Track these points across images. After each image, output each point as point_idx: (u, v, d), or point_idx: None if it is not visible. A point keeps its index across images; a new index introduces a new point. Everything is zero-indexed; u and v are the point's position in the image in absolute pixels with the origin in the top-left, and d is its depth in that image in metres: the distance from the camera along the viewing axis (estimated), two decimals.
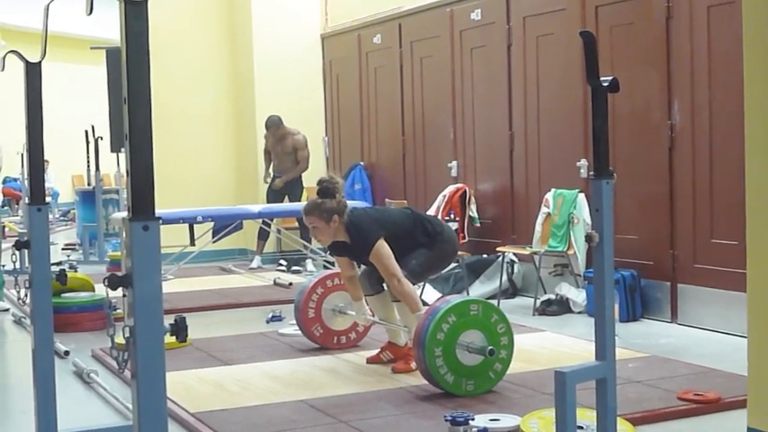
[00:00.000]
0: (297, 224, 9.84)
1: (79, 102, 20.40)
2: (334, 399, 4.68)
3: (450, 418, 3.97)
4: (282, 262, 10.27)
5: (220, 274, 9.86)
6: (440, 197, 8.60)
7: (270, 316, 7.00)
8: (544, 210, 7.49)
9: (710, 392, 4.48)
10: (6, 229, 14.34)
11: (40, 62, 3.37)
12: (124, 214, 2.19)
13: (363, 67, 10.39)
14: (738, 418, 3.88)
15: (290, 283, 8.61)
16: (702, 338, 6.10)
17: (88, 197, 12.05)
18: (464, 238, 8.29)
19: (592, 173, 3.27)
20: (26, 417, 4.16)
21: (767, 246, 3.48)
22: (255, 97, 10.89)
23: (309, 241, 9.53)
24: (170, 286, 8.44)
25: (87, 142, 12.53)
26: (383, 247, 5.11)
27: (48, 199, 4.00)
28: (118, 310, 6.16)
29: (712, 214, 6.30)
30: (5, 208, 20.18)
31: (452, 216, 8.34)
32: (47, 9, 3.33)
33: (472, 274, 7.93)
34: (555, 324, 6.72)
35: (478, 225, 8.44)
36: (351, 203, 5.58)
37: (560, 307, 7.11)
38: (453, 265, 7.26)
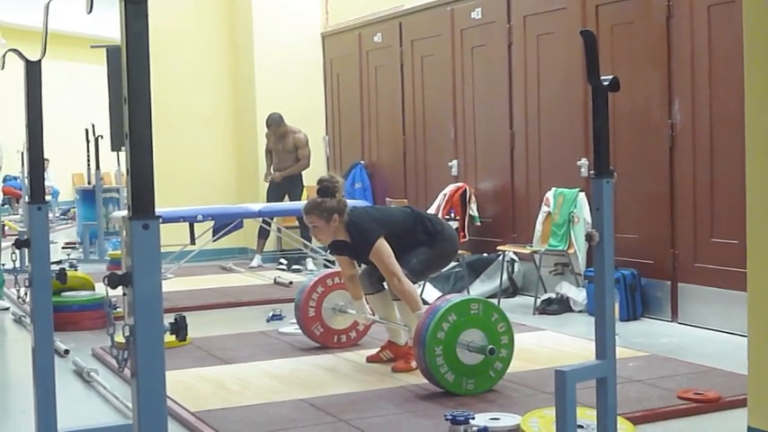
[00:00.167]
0: (297, 223, 9.84)
1: (79, 100, 20.41)
2: (335, 398, 4.68)
3: (450, 417, 3.97)
4: (283, 261, 10.27)
5: (221, 273, 9.86)
6: (440, 196, 8.60)
7: (270, 315, 7.00)
8: (544, 209, 7.49)
9: (711, 392, 4.48)
10: (6, 228, 14.36)
11: (40, 60, 3.36)
12: (124, 213, 2.19)
13: (364, 66, 10.38)
14: (738, 418, 3.88)
15: (291, 282, 8.62)
16: (703, 338, 6.10)
17: (88, 196, 12.05)
18: (464, 236, 8.29)
19: (592, 172, 3.27)
20: (26, 416, 4.16)
21: (767, 245, 3.48)
22: (256, 96, 10.89)
23: (310, 240, 9.52)
24: (170, 285, 8.44)
25: (87, 141, 12.53)
26: (383, 245, 5.11)
27: (48, 198, 4.00)
28: (118, 309, 6.15)
29: (713, 213, 6.30)
30: (5, 206, 20.18)
31: (453, 215, 8.34)
32: (47, 7, 3.33)
33: (473, 273, 7.94)
34: (555, 323, 6.72)
35: (479, 224, 8.44)
36: (351, 202, 5.58)
37: (561, 306, 7.11)
38: (454, 263, 7.26)
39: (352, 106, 10.65)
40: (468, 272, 7.84)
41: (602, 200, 3.22)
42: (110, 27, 12.72)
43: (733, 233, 5.91)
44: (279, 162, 10.20)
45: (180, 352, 5.69)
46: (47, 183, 13.16)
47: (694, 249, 6.45)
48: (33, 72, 3.36)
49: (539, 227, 7.52)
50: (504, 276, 7.77)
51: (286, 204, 9.89)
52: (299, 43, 11.03)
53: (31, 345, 3.38)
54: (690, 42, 6.38)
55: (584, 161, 7.29)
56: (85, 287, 7.12)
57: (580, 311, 7.02)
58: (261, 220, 9.83)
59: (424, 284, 7.52)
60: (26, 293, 3.47)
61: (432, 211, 8.38)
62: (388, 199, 9.30)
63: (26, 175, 3.62)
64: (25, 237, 3.35)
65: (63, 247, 12.57)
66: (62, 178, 21.62)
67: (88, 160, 12.63)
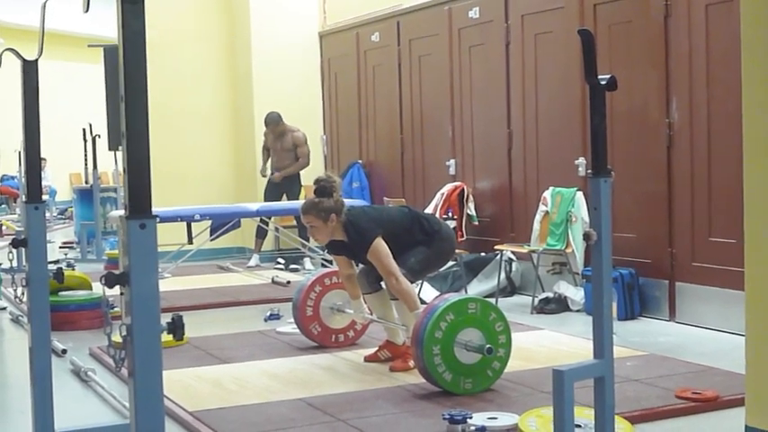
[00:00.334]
0: (295, 222, 9.84)
1: (77, 100, 20.41)
2: (333, 397, 4.68)
3: (448, 416, 3.97)
4: (280, 260, 10.27)
5: (218, 273, 9.86)
6: (438, 195, 8.60)
7: (268, 314, 7.00)
8: (542, 208, 7.49)
9: (708, 391, 4.48)
10: (4, 228, 14.36)
11: (37, 60, 3.36)
12: (122, 212, 2.19)
13: (362, 66, 10.38)
14: (736, 417, 3.88)
15: (289, 282, 8.62)
16: (700, 337, 6.10)
17: (86, 195, 12.04)
18: (462, 236, 8.29)
19: (590, 171, 3.27)
20: (23, 416, 4.16)
21: (765, 244, 3.49)
22: (254, 95, 10.89)
23: (308, 239, 9.51)
24: (167, 284, 8.43)
25: (85, 140, 12.53)
26: (381, 245, 5.11)
27: (45, 197, 4.00)
28: (115, 309, 6.14)
29: (710, 212, 6.30)
30: (3, 206, 20.19)
31: (450, 214, 8.34)
32: (44, 7, 3.33)
33: (470, 273, 7.93)
34: (553, 322, 6.72)
35: (477, 223, 8.44)
36: (348, 202, 5.58)
37: (558, 305, 7.12)
38: (451, 263, 7.26)
39: (349, 106, 10.65)
40: (466, 271, 7.84)
41: (599, 199, 3.22)
42: (107, 26, 12.69)
43: (731, 232, 5.91)
44: (277, 161, 10.20)
45: (177, 351, 5.69)
46: (44, 182, 13.20)
47: (692, 248, 6.45)
48: (30, 71, 3.36)
49: (536, 226, 7.52)
50: (502, 276, 7.77)
51: (284, 204, 9.89)
52: (296, 43, 11.03)
53: (29, 344, 3.38)
54: (688, 42, 6.38)
55: (581, 160, 7.29)
56: (83, 287, 7.11)
57: (578, 311, 7.02)
58: (259, 219, 9.83)
59: (422, 284, 7.52)
60: (23, 293, 3.47)
61: (429, 210, 8.39)
62: (385, 198, 9.30)
63: (23, 174, 3.62)
64: (22, 236, 3.35)
65: (60, 247, 12.56)
66: (59, 178, 21.61)
67: (85, 160, 12.63)
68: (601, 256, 3.23)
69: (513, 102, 8.09)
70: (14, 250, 3.52)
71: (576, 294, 7.10)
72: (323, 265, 9.10)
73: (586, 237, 3.23)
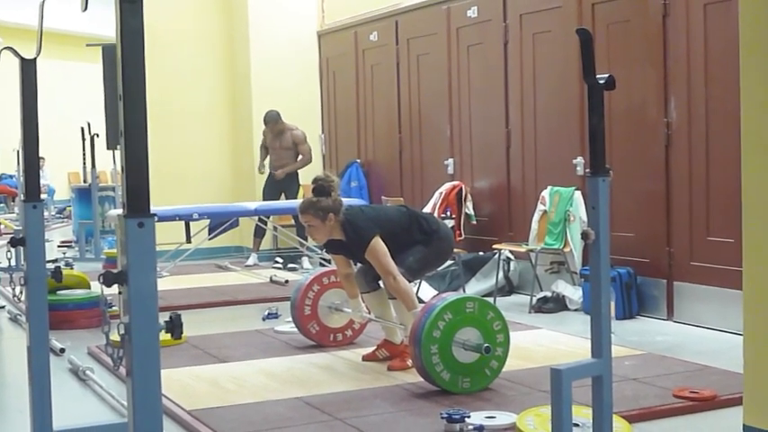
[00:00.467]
0: (293, 221, 9.84)
1: (75, 99, 20.40)
2: (331, 396, 4.68)
3: (446, 415, 3.97)
4: (279, 259, 10.27)
5: (216, 272, 9.86)
6: (436, 194, 8.60)
7: (266, 313, 7.00)
8: (540, 207, 7.49)
9: (706, 390, 4.48)
10: (2, 227, 14.35)
11: (36, 59, 3.36)
12: (120, 211, 2.19)
13: (360, 65, 10.38)
14: (734, 416, 3.88)
15: (287, 281, 8.61)
16: (698, 336, 6.10)
17: (84, 194, 12.04)
18: (460, 235, 8.30)
19: (588, 170, 3.27)
20: (22, 414, 4.16)
21: (763, 243, 3.49)
22: (252, 94, 10.89)
23: (306, 239, 9.51)
24: (166, 283, 8.43)
25: (83, 139, 12.52)
26: (379, 244, 5.11)
27: (43, 196, 4.01)
28: (113, 308, 6.13)
29: (708, 212, 6.30)
30: (1, 205, 20.18)
31: (449, 213, 8.34)
32: (42, 5, 3.33)
33: (468, 272, 7.93)
34: (551, 321, 6.72)
35: (475, 222, 8.44)
36: (347, 201, 5.57)
37: (556, 304, 7.12)
38: (449, 262, 7.26)
39: (348, 105, 10.65)
40: (464, 270, 7.84)
41: (597, 198, 3.22)
42: (105, 25, 12.69)
43: (729, 231, 5.92)
44: (276, 159, 10.19)
45: (175, 350, 5.69)
46: (42, 181, 13.19)
47: (690, 248, 6.45)
48: (29, 70, 3.35)
49: (535, 225, 7.52)
50: (500, 275, 7.77)
51: (282, 203, 9.89)
52: (295, 42, 11.02)
53: (27, 343, 3.37)
54: (686, 41, 6.39)
55: (580, 159, 7.29)
56: (81, 286, 7.10)
57: (576, 310, 7.03)
58: (257, 218, 9.82)
59: (420, 283, 7.52)
60: (21, 292, 3.47)
61: (428, 209, 8.39)
62: (384, 197, 9.30)
63: (22, 173, 3.62)
64: (21, 235, 3.34)
65: (59, 246, 12.56)
66: (58, 177, 21.60)
67: (84, 159, 12.62)
68: (599, 256, 3.23)
69: (512, 101, 8.09)
70: (13, 249, 3.53)
71: (574, 293, 7.10)
72: (321, 265, 9.09)
73: (584, 236, 3.23)
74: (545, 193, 7.48)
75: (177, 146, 10.79)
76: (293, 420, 4.27)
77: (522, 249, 7.48)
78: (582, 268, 7.04)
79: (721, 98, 6.07)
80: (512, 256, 7.93)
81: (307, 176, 9.44)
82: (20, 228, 3.38)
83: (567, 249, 7.22)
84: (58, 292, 6.83)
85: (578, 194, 7.20)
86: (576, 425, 3.55)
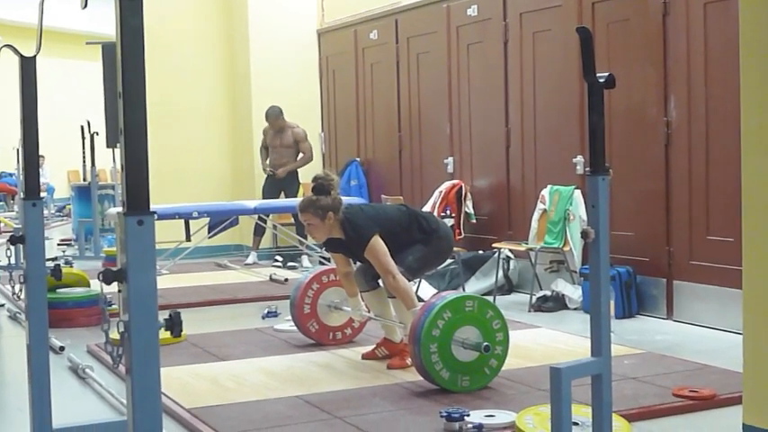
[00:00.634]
0: (293, 220, 9.83)
1: (75, 97, 20.39)
2: (330, 395, 4.68)
3: (445, 414, 3.98)
4: (278, 258, 10.26)
5: (216, 270, 9.86)
6: (436, 193, 8.60)
7: (265, 312, 7.00)
8: (540, 206, 7.49)
9: (706, 389, 4.48)
10: (2, 225, 14.35)
11: (35, 56, 3.36)
12: (120, 209, 2.19)
13: (360, 63, 10.38)
14: (734, 415, 3.88)
15: (286, 279, 8.61)
16: (698, 335, 6.10)
17: (84, 193, 12.03)
18: (460, 234, 8.30)
19: (588, 169, 3.27)
20: (21, 413, 4.16)
21: (763, 242, 3.49)
22: (252, 93, 10.89)
23: (305, 237, 9.52)
24: (165, 282, 8.42)
25: (83, 137, 12.51)
26: (378, 243, 5.11)
27: (43, 194, 4.01)
28: (113, 306, 6.12)
29: (708, 211, 6.30)
30: (1, 203, 20.17)
31: (448, 212, 8.34)
32: (42, 3, 3.33)
33: (468, 271, 7.93)
34: (550, 320, 6.72)
35: (474, 221, 8.44)
36: (346, 200, 5.57)
37: (556, 303, 7.12)
38: (449, 261, 7.26)
39: (347, 103, 10.64)
40: (464, 269, 7.84)
41: (597, 197, 3.22)
42: (105, 24, 12.69)
43: (728, 230, 5.92)
44: (277, 158, 10.18)
45: (175, 349, 5.69)
46: (42, 179, 13.18)
47: (690, 247, 6.45)
48: (28, 68, 3.35)
49: (534, 224, 7.51)
50: (500, 274, 7.77)
51: (282, 201, 9.88)
52: (295, 40, 11.02)
53: (26, 341, 3.37)
54: (686, 40, 6.38)
55: (579, 158, 7.29)
56: (80, 284, 7.11)
57: (575, 309, 7.03)
58: (257, 216, 9.82)
59: (420, 282, 7.52)
60: (21, 290, 3.47)
61: (427, 208, 8.39)
62: (383, 196, 9.30)
63: (21, 171, 3.61)
64: (20, 233, 3.34)
65: (58, 244, 12.55)
66: (58, 175, 21.59)
67: (84, 157, 12.61)
68: (599, 255, 3.23)
69: (512, 100, 8.09)
70: (12, 247, 3.52)
71: (573, 292, 7.10)
72: (320, 263, 9.10)
73: (584, 235, 3.23)
74: (545, 192, 7.48)
75: (177, 144, 10.79)
76: (293, 419, 4.27)
77: (522, 248, 7.48)
78: (581, 267, 7.04)
79: (721, 97, 6.07)
80: (511, 255, 7.93)
81: (306, 175, 9.45)
82: (19, 226, 3.38)
83: (566, 248, 7.22)
84: (58, 290, 6.84)
85: (578, 193, 7.20)
86: (576, 424, 3.55)
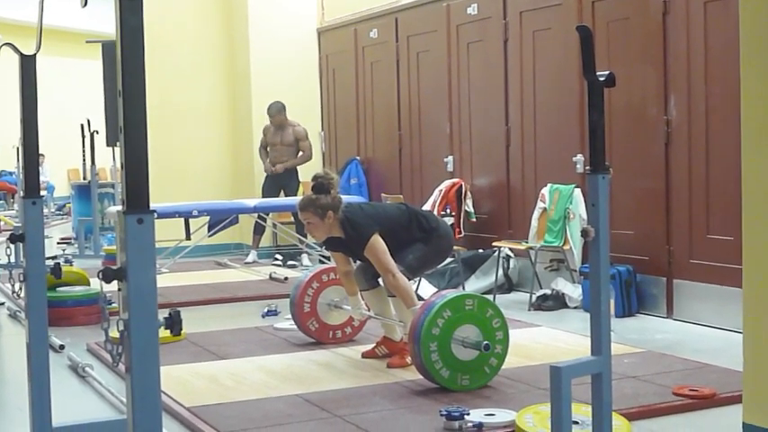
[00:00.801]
0: (293, 219, 9.83)
1: (75, 96, 20.39)
2: (330, 393, 4.68)
3: (445, 412, 3.98)
4: (278, 256, 10.26)
5: (216, 269, 9.85)
6: (436, 192, 8.59)
7: (265, 310, 7.00)
8: (540, 205, 7.49)
9: (706, 388, 4.48)
10: (1, 223, 14.35)
11: (35, 55, 3.35)
12: (119, 208, 2.18)
13: (360, 62, 10.37)
14: (734, 414, 3.88)
15: (286, 278, 8.62)
16: (698, 334, 6.10)
17: (84, 191, 12.03)
18: (460, 232, 8.29)
19: (588, 168, 3.27)
20: (21, 412, 4.16)
21: (763, 241, 3.49)
22: (252, 92, 10.89)
23: (305, 236, 9.52)
24: (165, 280, 8.42)
25: (83, 136, 12.51)
26: (378, 242, 5.11)
27: (43, 193, 4.01)
28: (113, 304, 6.13)
29: (708, 210, 6.30)
30: (1, 202, 20.17)
31: (448, 211, 8.34)
32: (42, 2, 3.32)
33: (468, 269, 7.93)
34: (550, 319, 6.72)
35: (474, 220, 8.44)
36: (346, 198, 5.57)
37: (556, 302, 7.12)
38: (449, 259, 7.26)
39: (347, 102, 10.64)
40: (464, 268, 7.84)
41: (597, 196, 3.22)
42: (105, 22, 12.68)
43: (728, 229, 5.92)
44: (277, 156, 10.17)
45: (175, 347, 5.69)
46: (42, 178, 13.17)
47: (690, 246, 6.45)
48: (28, 66, 3.35)
49: (534, 223, 7.51)
50: (500, 272, 7.77)
51: (281, 200, 9.88)
52: (295, 39, 11.02)
53: (26, 340, 3.37)
54: (686, 38, 6.38)
55: (579, 157, 7.29)
56: (80, 282, 7.11)
57: (575, 307, 7.03)
58: (256, 215, 9.82)
59: (420, 280, 7.52)
60: (21, 288, 3.46)
61: (427, 206, 8.39)
62: (383, 195, 9.30)
63: (21, 169, 3.61)
64: (20, 231, 3.34)
65: (58, 243, 12.55)
66: (57, 173, 21.60)
67: (83, 155, 12.61)
68: (598, 253, 3.23)
69: (512, 98, 8.08)
70: (12, 245, 3.52)
71: (573, 291, 7.10)
72: (320, 262, 9.10)
73: (584, 233, 3.23)
74: (545, 191, 7.47)
75: (177, 143, 10.79)
76: (292, 417, 4.27)
77: (522, 247, 7.48)
78: (581, 266, 7.04)
79: (721, 96, 6.07)
80: (511, 254, 7.94)
81: (306, 174, 9.45)
82: (19, 224, 3.38)
83: (566, 247, 7.22)
84: (58, 288, 6.84)
85: (578, 192, 7.20)
86: (576, 422, 3.55)
